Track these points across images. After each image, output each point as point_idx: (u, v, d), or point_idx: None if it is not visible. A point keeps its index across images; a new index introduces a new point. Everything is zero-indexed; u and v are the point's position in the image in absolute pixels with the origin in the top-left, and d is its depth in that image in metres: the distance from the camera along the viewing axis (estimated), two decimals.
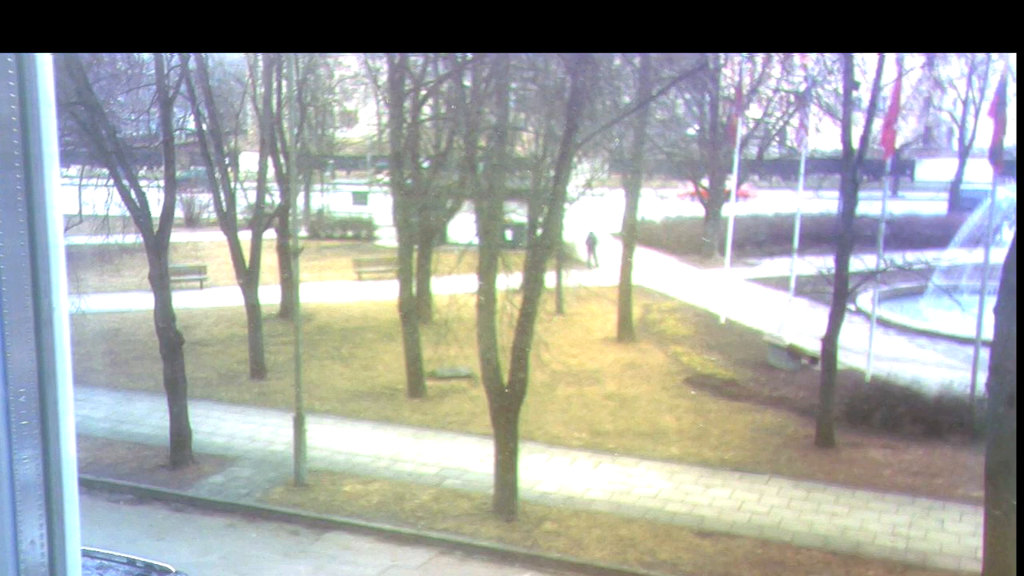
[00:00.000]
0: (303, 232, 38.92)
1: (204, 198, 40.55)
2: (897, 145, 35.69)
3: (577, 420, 21.48)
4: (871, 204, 25.48)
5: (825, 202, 30.81)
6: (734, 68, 37.30)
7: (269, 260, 29.20)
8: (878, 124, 24.66)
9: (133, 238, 20.60)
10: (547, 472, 18.78)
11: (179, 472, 18.78)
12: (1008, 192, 25.90)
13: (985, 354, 16.80)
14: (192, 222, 44.59)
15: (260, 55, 28.84)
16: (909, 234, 32.13)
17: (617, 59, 19.39)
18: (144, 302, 22.70)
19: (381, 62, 27.78)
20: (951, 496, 17.71)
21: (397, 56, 22.92)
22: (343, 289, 34.84)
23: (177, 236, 26.69)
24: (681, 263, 40.38)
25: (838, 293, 20.20)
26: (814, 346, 23.04)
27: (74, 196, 20.37)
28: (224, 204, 24.10)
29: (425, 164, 26.34)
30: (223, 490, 18.06)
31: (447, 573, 15.41)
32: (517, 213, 26.17)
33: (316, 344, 26.79)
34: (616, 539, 16.09)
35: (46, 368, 2.51)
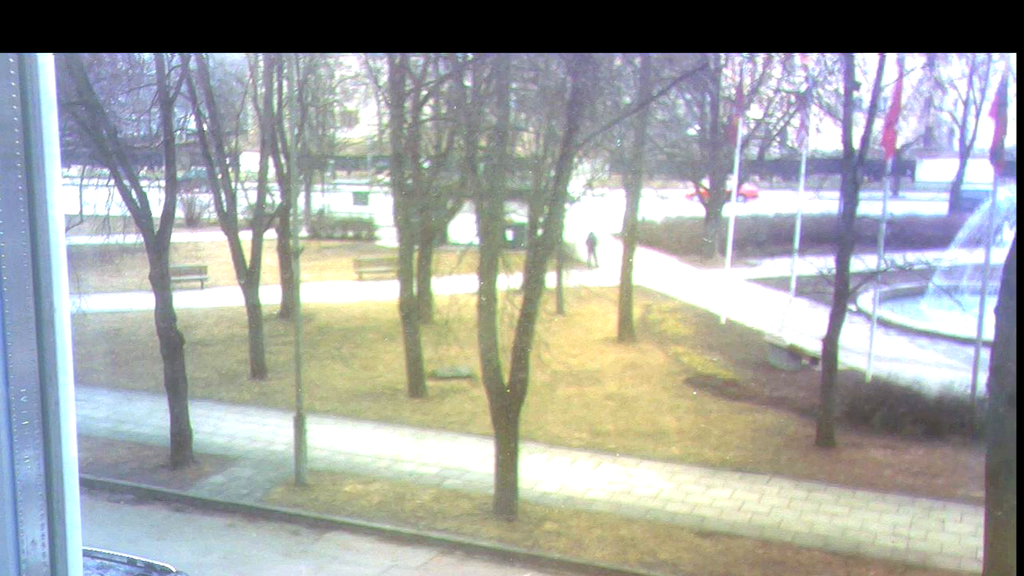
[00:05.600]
0: (304, 232, 38.97)
1: (205, 198, 40.60)
2: (898, 145, 35.68)
3: (578, 420, 21.48)
4: (872, 204, 25.52)
5: (826, 202, 30.83)
6: (735, 68, 37.32)
7: (270, 260, 29.21)
8: (879, 124, 24.67)
9: (134, 238, 20.62)
10: (548, 472, 18.78)
11: (180, 472, 18.78)
12: (1009, 192, 25.90)
13: (986, 354, 16.79)
14: (193, 222, 44.61)
15: (260, 55, 28.85)
16: (910, 234, 32.09)
17: (618, 59, 19.39)
18: (145, 302, 22.70)
19: (382, 62, 27.79)
20: (952, 496, 17.70)
21: (398, 56, 22.93)
22: (344, 289, 34.85)
23: (178, 236, 26.73)
24: (682, 263, 40.38)
25: (839, 293, 20.20)
26: (815, 346, 23.04)
27: (75, 196, 20.38)
28: (225, 204, 24.10)
29: (426, 164, 26.34)
30: (224, 490, 18.06)
31: (448, 573, 15.41)
32: (518, 213, 26.21)
33: (317, 344, 26.80)
34: (617, 539, 16.09)
35: (47, 368, 2.51)
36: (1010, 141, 23.07)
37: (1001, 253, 18.86)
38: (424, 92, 24.84)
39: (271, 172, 29.43)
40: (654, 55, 20.74)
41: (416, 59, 23.91)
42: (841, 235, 20.21)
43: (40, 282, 2.48)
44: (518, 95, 20.30)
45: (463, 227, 30.58)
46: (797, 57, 34.11)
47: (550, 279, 25.89)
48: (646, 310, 31.18)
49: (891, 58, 23.23)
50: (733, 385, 23.79)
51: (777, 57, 35.65)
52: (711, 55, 27.07)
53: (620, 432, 20.79)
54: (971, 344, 22.38)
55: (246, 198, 28.09)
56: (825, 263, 21.05)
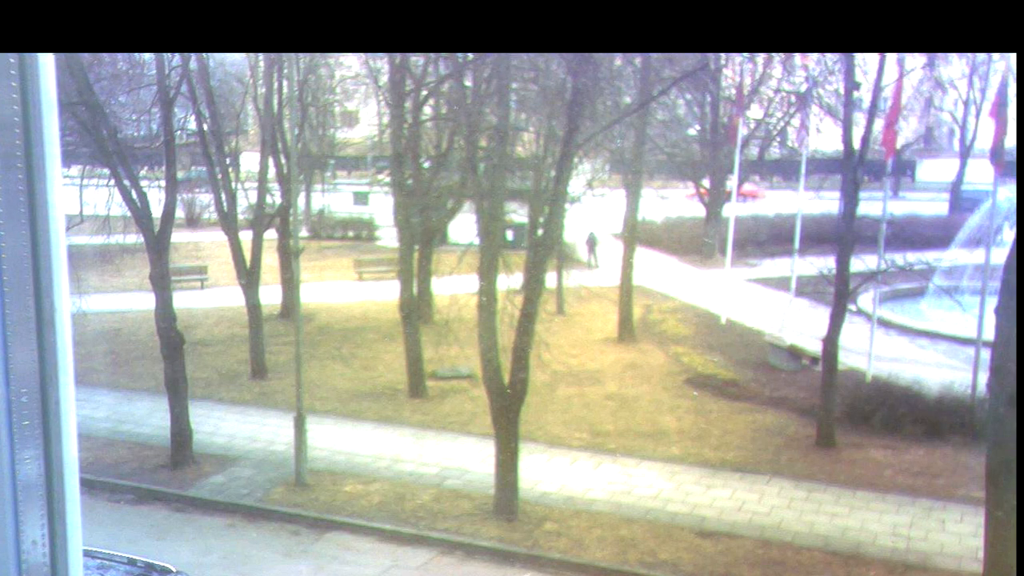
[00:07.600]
0: (304, 232, 39.00)
1: (205, 198, 40.63)
2: (898, 146, 35.72)
3: (578, 420, 21.48)
4: (872, 205, 25.52)
5: (826, 202, 30.84)
6: (735, 68, 37.33)
7: (270, 260, 29.21)
8: (879, 124, 24.66)
9: (134, 238, 20.63)
10: (548, 472, 18.78)
11: (180, 472, 18.78)
12: (1009, 193, 25.90)
13: (986, 355, 16.79)
14: (193, 222, 44.66)
15: (261, 55, 28.86)
16: (910, 234, 32.10)
17: (618, 59, 19.39)
18: (145, 302, 22.71)
19: (382, 62, 27.80)
20: (952, 497, 17.70)
21: (398, 56, 22.92)
22: (344, 289, 34.85)
23: (178, 236, 26.74)
24: (682, 263, 40.39)
25: (839, 293, 20.20)
26: (815, 346, 23.04)
27: (75, 196, 20.38)
28: (225, 204, 24.11)
29: (426, 164, 26.35)
30: (224, 490, 18.07)
31: (448, 573, 15.41)
32: (518, 213, 26.23)
33: (317, 344, 26.80)
34: (617, 539, 16.09)
35: (48, 368, 2.51)
36: (1010, 141, 23.07)
37: (1001, 253, 18.86)
38: (424, 92, 24.84)
39: (271, 172, 29.45)
40: (654, 55, 20.74)
41: (416, 59, 23.91)
42: (841, 235, 20.21)
43: (40, 282, 2.48)
44: (518, 95, 20.30)
45: (463, 227, 30.60)
46: (797, 57, 34.11)
47: (550, 279, 25.89)
48: (646, 310, 31.18)
49: (891, 58, 23.23)
50: (733, 385, 23.78)
51: (777, 57, 35.65)
52: (711, 55, 27.06)
53: (620, 432, 20.79)
54: (971, 344, 22.37)
55: (246, 198, 28.11)
56: (825, 263, 21.04)
